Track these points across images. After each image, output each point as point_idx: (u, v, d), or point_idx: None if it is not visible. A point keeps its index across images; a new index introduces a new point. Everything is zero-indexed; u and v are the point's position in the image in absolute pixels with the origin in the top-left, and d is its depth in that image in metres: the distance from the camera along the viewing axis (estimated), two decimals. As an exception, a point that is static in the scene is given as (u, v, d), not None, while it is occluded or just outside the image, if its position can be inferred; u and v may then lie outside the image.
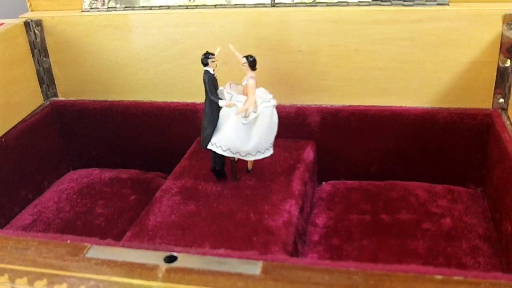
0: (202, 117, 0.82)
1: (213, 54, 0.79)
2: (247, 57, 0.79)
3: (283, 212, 0.77)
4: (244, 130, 0.79)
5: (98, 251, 0.56)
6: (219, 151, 0.81)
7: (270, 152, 0.82)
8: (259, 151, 0.81)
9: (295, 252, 0.73)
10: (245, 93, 0.80)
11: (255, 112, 0.79)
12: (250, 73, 0.79)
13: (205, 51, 0.80)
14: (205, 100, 0.81)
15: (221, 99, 0.79)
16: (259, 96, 0.80)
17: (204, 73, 0.80)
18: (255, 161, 0.85)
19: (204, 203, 0.80)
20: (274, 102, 0.80)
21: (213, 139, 0.81)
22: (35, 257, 0.55)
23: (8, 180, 0.96)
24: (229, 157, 0.83)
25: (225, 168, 0.86)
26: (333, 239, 0.82)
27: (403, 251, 0.78)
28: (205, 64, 0.80)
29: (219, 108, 0.80)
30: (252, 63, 0.79)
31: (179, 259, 0.53)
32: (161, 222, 0.76)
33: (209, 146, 0.81)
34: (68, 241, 0.58)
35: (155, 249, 0.56)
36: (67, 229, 0.89)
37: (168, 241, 0.72)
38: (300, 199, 0.81)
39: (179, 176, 0.88)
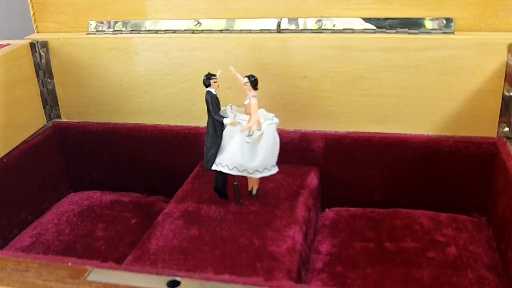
0: (205, 138, 0.82)
1: (214, 75, 0.80)
2: (248, 76, 0.80)
3: (287, 238, 0.76)
4: (249, 148, 0.79)
5: (100, 274, 0.55)
6: (225, 170, 0.80)
7: (276, 169, 0.82)
8: (266, 168, 0.81)
9: (298, 280, 0.72)
10: (247, 112, 0.80)
11: (259, 130, 0.79)
12: (252, 92, 0.80)
13: (208, 72, 0.81)
14: (208, 121, 0.81)
15: (225, 118, 0.79)
16: (261, 114, 0.81)
17: (206, 93, 0.80)
18: (259, 184, 0.85)
19: (206, 227, 0.79)
20: (277, 120, 0.81)
21: (218, 159, 0.81)
22: (35, 279, 0.54)
23: (8, 201, 0.95)
24: (233, 182, 0.83)
25: (228, 189, 0.86)
26: (337, 267, 0.81)
27: (408, 280, 0.77)
28: (207, 85, 0.80)
29: (223, 128, 0.81)
30: (254, 83, 0.80)
31: (182, 284, 0.52)
32: (163, 246, 0.75)
33: (214, 167, 0.81)
34: (69, 264, 0.57)
35: (157, 273, 0.55)
36: (67, 252, 0.87)
37: (170, 265, 0.70)
38: (304, 225, 0.80)
39: (181, 200, 0.87)
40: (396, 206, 0.96)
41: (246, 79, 0.80)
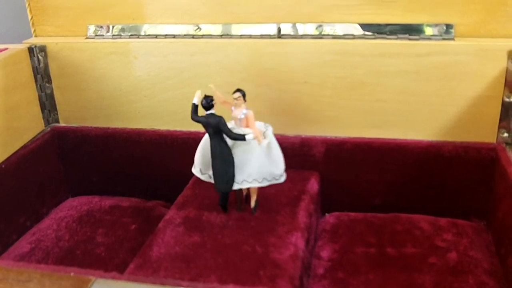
0: (213, 162, 0.80)
1: (212, 97, 0.78)
2: (239, 90, 0.79)
3: (289, 245, 0.76)
4: (267, 157, 0.80)
5: (103, 284, 0.55)
6: (254, 185, 0.80)
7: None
8: (284, 171, 0.82)
9: (301, 286, 0.72)
10: (245, 125, 0.79)
11: (265, 139, 0.79)
12: (244, 105, 0.79)
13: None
14: (213, 144, 0.78)
15: (243, 134, 0.77)
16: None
17: (210, 116, 0.77)
18: (259, 191, 0.84)
19: (208, 234, 0.79)
20: (270, 125, 0.82)
21: (238, 178, 0.79)
22: (37, 290, 0.54)
23: (7, 206, 0.94)
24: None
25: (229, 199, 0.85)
26: (339, 273, 0.81)
27: (410, 285, 0.77)
28: (209, 108, 0.77)
29: (228, 147, 0.79)
30: (244, 96, 0.79)
31: (187, 294, 0.52)
32: (165, 254, 0.75)
33: (237, 187, 0.80)
34: (72, 274, 0.56)
35: (161, 283, 0.55)
36: (67, 258, 0.87)
37: (172, 273, 0.70)
38: (305, 232, 0.80)
39: (182, 206, 0.87)
40: (396, 211, 0.96)
41: (238, 94, 0.78)
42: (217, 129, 0.77)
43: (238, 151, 0.79)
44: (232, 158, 0.79)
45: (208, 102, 0.77)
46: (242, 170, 0.79)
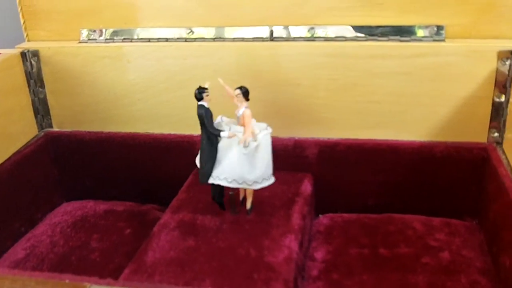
0: (199, 152, 0.82)
1: (206, 89, 0.79)
2: (240, 88, 0.79)
3: (284, 247, 0.76)
4: (247, 160, 0.79)
5: (99, 291, 0.55)
6: (223, 183, 0.80)
7: (273, 179, 0.81)
8: (264, 179, 0.80)
9: (296, 289, 0.73)
10: (241, 123, 0.80)
11: (255, 141, 0.79)
12: (245, 103, 0.80)
13: (198, 86, 0.79)
14: (202, 134, 0.80)
15: (222, 131, 0.79)
16: (254, 125, 0.80)
17: (199, 107, 0.79)
18: (254, 194, 0.85)
19: (203, 238, 0.79)
20: (270, 130, 0.81)
21: (215, 173, 0.80)
22: (32, 298, 0.54)
23: (1, 212, 0.94)
24: (228, 191, 0.83)
25: (224, 199, 0.85)
26: (333, 274, 0.82)
27: (404, 286, 0.78)
28: (200, 99, 0.79)
29: (217, 141, 0.80)
30: (245, 94, 0.79)
31: (182, 299, 0.52)
32: (160, 258, 0.75)
33: (211, 181, 0.80)
34: (67, 281, 0.57)
35: (157, 289, 0.55)
36: (62, 265, 0.87)
37: (167, 278, 0.70)
38: (299, 234, 0.81)
39: (176, 210, 0.87)
40: (389, 211, 0.96)
41: (238, 91, 0.79)
42: (202, 120, 0.78)
43: (222, 146, 0.80)
44: (216, 152, 0.80)
45: (199, 93, 0.78)
46: (218, 165, 0.80)
